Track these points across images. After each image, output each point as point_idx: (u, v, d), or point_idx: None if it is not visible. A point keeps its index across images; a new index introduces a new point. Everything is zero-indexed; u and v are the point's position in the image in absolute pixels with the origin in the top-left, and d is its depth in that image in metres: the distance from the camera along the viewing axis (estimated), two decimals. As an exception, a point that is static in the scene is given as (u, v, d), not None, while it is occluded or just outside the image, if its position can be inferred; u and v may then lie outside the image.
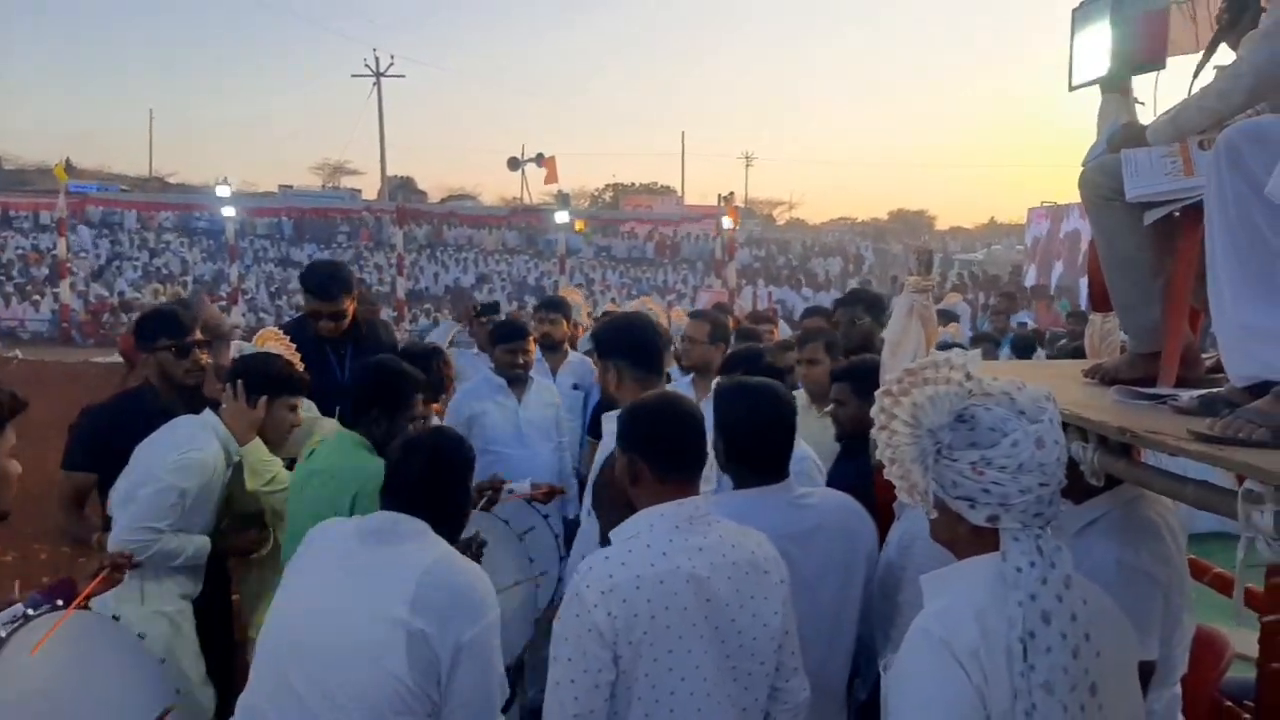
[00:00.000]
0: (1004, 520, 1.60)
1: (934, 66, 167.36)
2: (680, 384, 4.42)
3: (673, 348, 4.97)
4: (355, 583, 2.18)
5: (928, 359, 1.71)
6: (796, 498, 2.50)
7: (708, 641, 2.05)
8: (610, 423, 2.66)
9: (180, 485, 3.05)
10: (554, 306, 5.64)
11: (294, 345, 3.75)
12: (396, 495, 2.31)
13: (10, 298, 22.71)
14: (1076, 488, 2.06)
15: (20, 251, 29.68)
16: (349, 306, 4.20)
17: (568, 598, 2.07)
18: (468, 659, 2.12)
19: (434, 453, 2.35)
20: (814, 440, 3.34)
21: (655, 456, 2.15)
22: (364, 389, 3.05)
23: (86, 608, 2.64)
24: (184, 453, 3.07)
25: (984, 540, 1.64)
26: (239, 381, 3.25)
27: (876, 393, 1.75)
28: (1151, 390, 2.14)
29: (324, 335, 4.17)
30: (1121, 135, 2.36)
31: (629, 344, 2.99)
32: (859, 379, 3.20)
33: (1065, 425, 2.06)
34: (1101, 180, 2.31)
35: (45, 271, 25.73)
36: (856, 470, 2.98)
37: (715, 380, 3.05)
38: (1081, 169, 2.46)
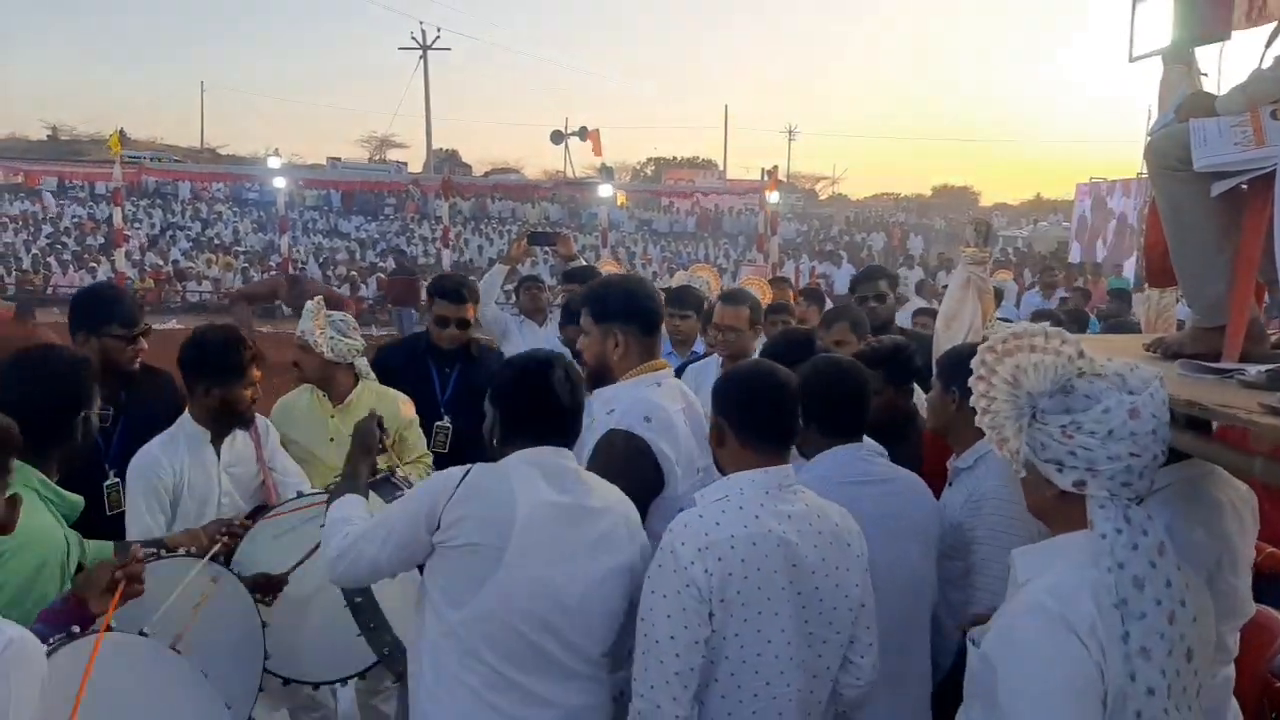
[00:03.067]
0: (1090, 487, 1.60)
1: (980, 38, 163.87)
2: (709, 364, 4.17)
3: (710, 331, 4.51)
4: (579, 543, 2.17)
5: (1039, 327, 1.70)
6: (870, 451, 2.59)
7: (792, 606, 2.09)
8: (601, 404, 2.58)
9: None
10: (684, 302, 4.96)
11: (403, 359, 3.85)
12: (550, 428, 2.23)
13: (68, 265, 23.20)
14: None
15: (76, 220, 30.30)
16: (472, 316, 4.16)
17: (660, 555, 2.08)
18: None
19: (566, 371, 2.26)
20: None
21: (742, 423, 2.18)
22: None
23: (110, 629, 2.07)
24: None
25: (1071, 508, 1.65)
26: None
27: (980, 346, 1.76)
28: (1217, 364, 2.12)
29: (441, 345, 4.09)
30: (1189, 104, 2.34)
31: (635, 308, 2.67)
32: (895, 365, 3.12)
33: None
34: (1169, 149, 2.29)
35: (101, 240, 26.25)
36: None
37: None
38: (1148, 139, 2.44)
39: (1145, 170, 2.55)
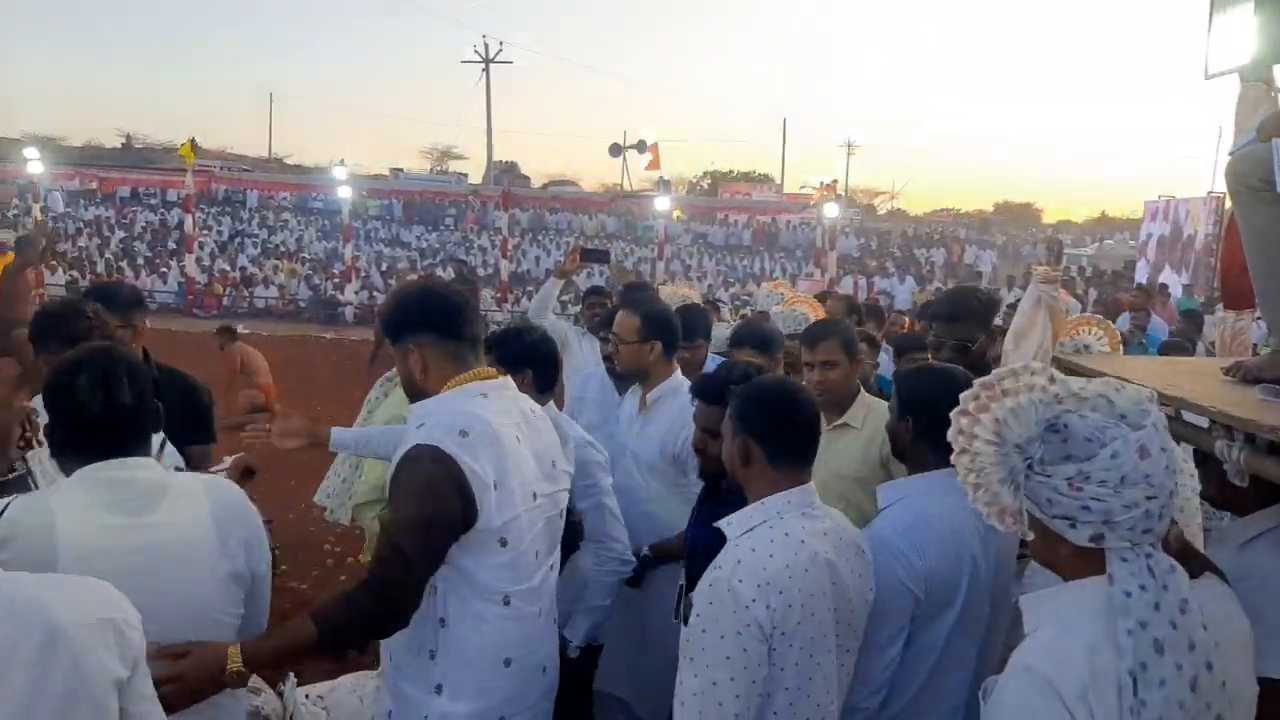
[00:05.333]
0: (1109, 539, 1.45)
1: (1043, 52, 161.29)
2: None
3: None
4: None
5: (1004, 369, 1.57)
6: None
7: (831, 623, 2.08)
8: (414, 418, 2.26)
9: None
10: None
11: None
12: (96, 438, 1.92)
13: (140, 269, 23.96)
14: (1243, 500, 2.03)
15: (149, 226, 31.28)
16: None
17: (714, 593, 2.00)
18: None
19: (104, 369, 1.94)
20: (834, 469, 3.07)
21: (773, 442, 2.15)
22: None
23: None
24: None
25: (1090, 560, 1.48)
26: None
27: (951, 413, 1.59)
28: (1301, 389, 2.08)
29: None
30: (1272, 124, 2.30)
31: (425, 317, 2.29)
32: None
33: (1210, 424, 2.02)
34: (1250, 170, 2.26)
35: (172, 246, 27.07)
36: None
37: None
38: (1229, 158, 2.40)
39: (1218, 189, 2.51)
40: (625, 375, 3.70)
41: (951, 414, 1.59)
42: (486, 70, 48.22)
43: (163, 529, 1.91)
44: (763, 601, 1.97)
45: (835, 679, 2.11)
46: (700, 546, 2.54)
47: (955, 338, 3.39)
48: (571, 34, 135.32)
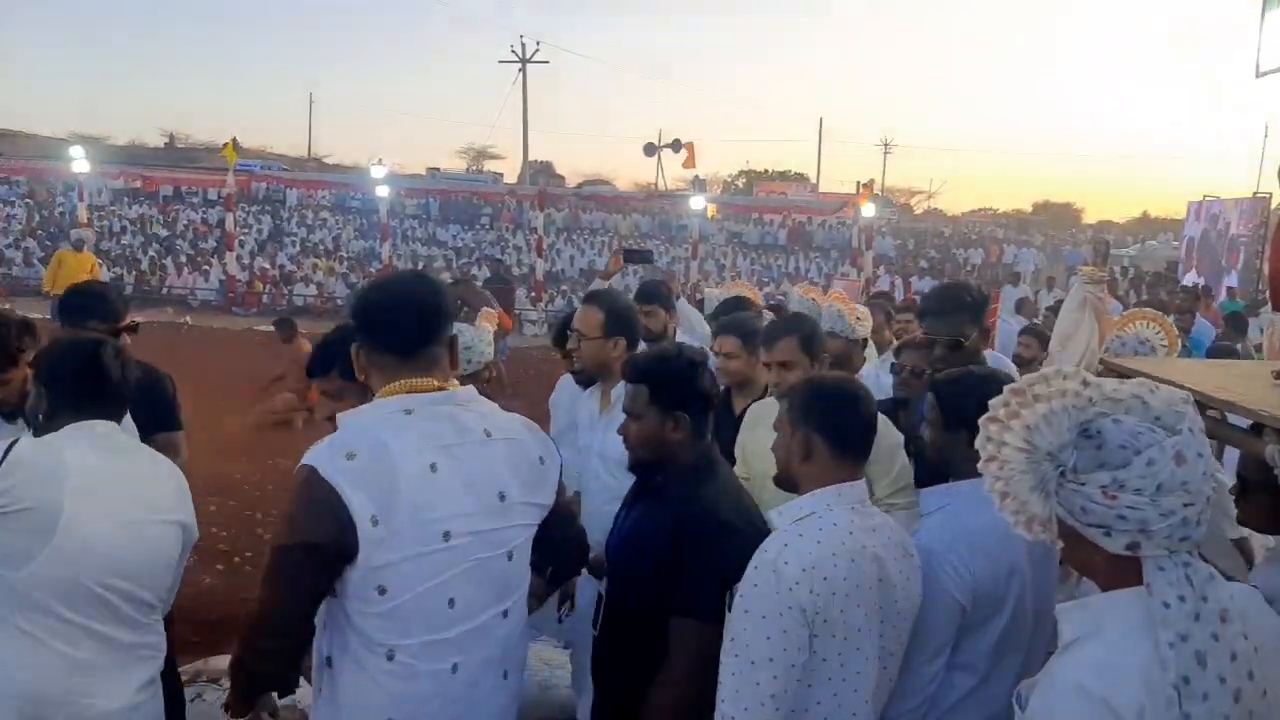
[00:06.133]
0: (1145, 548, 1.41)
1: (1083, 49, 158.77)
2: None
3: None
4: None
5: (1036, 374, 1.52)
6: None
7: (875, 620, 2.09)
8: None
9: None
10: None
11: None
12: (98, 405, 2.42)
13: (182, 268, 24.33)
14: None
15: (191, 224, 31.77)
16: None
17: (761, 575, 2.02)
18: None
19: (115, 350, 2.48)
20: None
21: (837, 436, 2.17)
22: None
23: None
24: None
25: (1125, 568, 1.45)
26: None
27: (980, 419, 1.55)
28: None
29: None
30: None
31: (364, 318, 2.12)
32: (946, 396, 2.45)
33: (1260, 428, 1.99)
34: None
35: (213, 244, 27.47)
36: None
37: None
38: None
39: (1264, 189, 2.46)
40: (586, 372, 3.51)
41: (980, 421, 1.54)
42: (523, 70, 48.38)
43: (141, 472, 2.42)
44: (807, 585, 1.98)
45: (876, 679, 2.10)
46: (623, 552, 2.45)
47: (947, 333, 3.23)
48: (607, 34, 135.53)
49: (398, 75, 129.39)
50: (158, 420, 3.22)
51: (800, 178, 57.53)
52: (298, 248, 29.80)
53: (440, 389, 2.04)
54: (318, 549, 1.88)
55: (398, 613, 1.92)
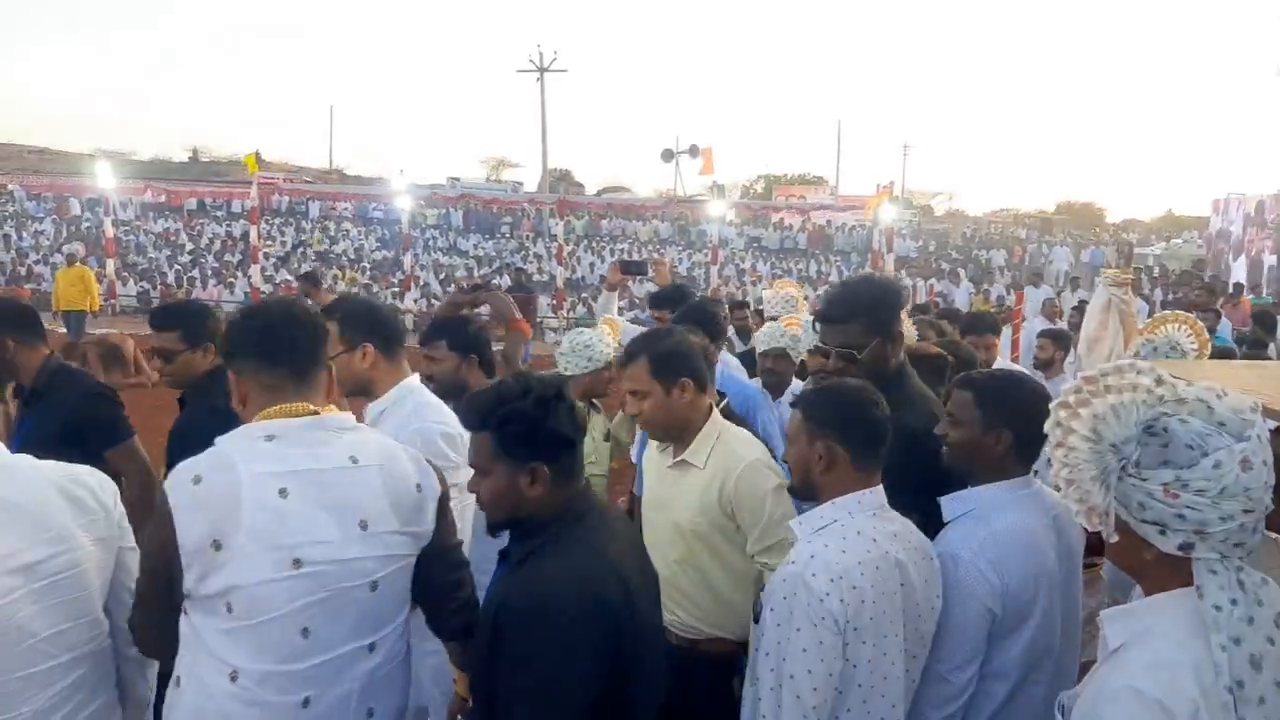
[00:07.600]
0: (1199, 549, 1.41)
1: (1104, 46, 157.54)
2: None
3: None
4: None
5: (1111, 364, 1.52)
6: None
7: (900, 624, 2.10)
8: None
9: None
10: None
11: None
12: None
13: (208, 280, 24.62)
14: None
15: (216, 237, 32.11)
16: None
17: (789, 587, 2.04)
18: None
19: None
20: (671, 516, 2.75)
21: (859, 443, 2.18)
22: None
23: None
24: None
25: (1174, 569, 1.45)
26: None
27: (1051, 404, 1.55)
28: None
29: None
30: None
31: (240, 339, 2.07)
32: (985, 390, 2.36)
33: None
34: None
35: (238, 256, 27.76)
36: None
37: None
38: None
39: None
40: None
41: (1051, 405, 1.54)
42: (541, 79, 48.62)
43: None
44: (836, 595, 2.00)
45: (904, 687, 2.12)
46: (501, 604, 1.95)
47: (837, 343, 2.70)
48: (624, 42, 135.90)
49: (417, 86, 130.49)
50: (106, 440, 3.25)
51: (820, 181, 57.44)
52: (319, 259, 30.04)
53: (315, 414, 1.99)
54: (165, 564, 1.85)
55: (244, 634, 1.85)
